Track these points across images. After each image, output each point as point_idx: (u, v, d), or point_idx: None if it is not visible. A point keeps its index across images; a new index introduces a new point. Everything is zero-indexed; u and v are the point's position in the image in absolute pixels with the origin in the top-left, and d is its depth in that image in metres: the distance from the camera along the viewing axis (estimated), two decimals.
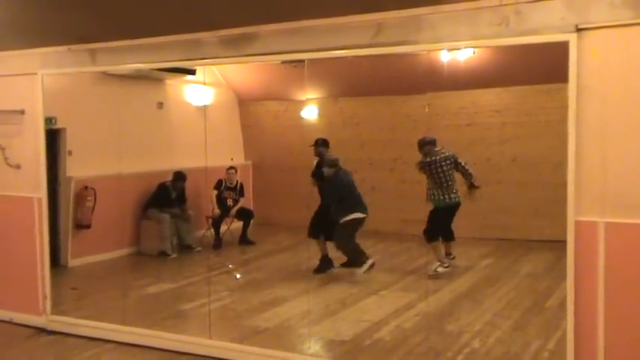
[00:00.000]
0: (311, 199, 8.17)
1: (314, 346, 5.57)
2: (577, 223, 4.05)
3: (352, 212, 7.64)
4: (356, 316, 6.43)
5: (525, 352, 5.35)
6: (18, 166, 6.29)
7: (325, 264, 7.97)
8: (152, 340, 5.67)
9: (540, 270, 8.12)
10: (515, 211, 9.32)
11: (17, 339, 6.02)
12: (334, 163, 7.82)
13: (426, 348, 5.46)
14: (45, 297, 6.22)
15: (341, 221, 7.60)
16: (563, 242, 4.10)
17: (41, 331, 6.17)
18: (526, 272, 8.13)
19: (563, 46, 3.98)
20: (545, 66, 5.81)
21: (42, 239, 6.22)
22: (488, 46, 6.42)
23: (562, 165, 4.11)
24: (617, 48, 3.91)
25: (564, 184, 4.07)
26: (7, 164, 6.32)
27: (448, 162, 7.67)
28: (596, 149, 3.97)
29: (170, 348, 5.54)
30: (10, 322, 6.39)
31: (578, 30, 3.94)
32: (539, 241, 8.82)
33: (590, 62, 3.95)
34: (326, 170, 7.81)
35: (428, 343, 5.58)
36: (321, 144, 8.24)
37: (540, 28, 4.05)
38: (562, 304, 4.36)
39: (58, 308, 6.29)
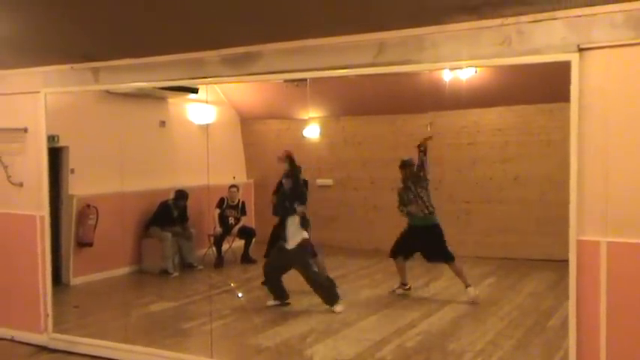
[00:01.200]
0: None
1: None
2: (579, 242, 4.04)
3: None
4: (357, 335, 6.40)
5: None
6: (20, 184, 6.31)
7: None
8: (154, 359, 5.64)
9: (542, 289, 8.09)
10: (518, 229, 9.32)
11: (18, 357, 5.99)
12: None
13: None
14: (47, 315, 6.20)
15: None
16: (566, 261, 4.10)
17: (42, 349, 6.14)
18: (528, 291, 8.10)
19: (565, 66, 4.00)
20: (547, 85, 5.85)
21: (44, 257, 6.21)
22: (490, 66, 6.45)
23: (564, 184, 4.11)
24: (618, 68, 3.92)
25: (566, 203, 4.06)
26: (10, 182, 6.33)
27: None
28: (598, 168, 3.98)
29: None
30: (11, 340, 6.36)
31: (580, 50, 3.96)
32: (542, 260, 8.80)
33: (592, 82, 3.97)
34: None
35: None
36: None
37: (542, 48, 4.07)
38: (564, 324, 4.34)
39: (59, 326, 6.26)
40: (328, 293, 7.20)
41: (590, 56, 3.97)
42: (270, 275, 7.48)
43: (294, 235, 7.21)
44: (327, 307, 7.14)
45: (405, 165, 7.75)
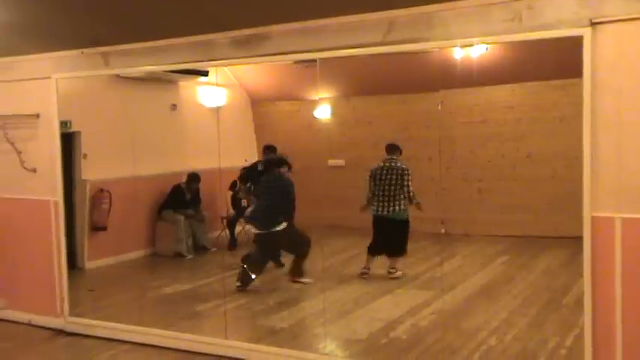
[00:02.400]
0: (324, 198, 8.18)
1: (330, 346, 5.57)
2: (593, 219, 4.02)
3: None
4: (371, 315, 6.42)
5: (542, 350, 5.31)
6: (34, 170, 6.35)
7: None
8: (169, 341, 5.70)
9: (556, 267, 8.07)
10: (531, 207, 9.27)
11: (36, 341, 6.07)
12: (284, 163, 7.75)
13: (442, 346, 5.44)
14: (62, 299, 6.28)
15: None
16: (579, 238, 4.08)
17: (59, 332, 6.22)
18: (542, 269, 8.08)
19: (577, 41, 3.95)
20: (559, 61, 5.78)
21: (59, 242, 6.27)
22: (500, 42, 6.38)
23: (577, 160, 4.08)
24: (632, 42, 3.87)
25: (580, 180, 4.04)
26: (24, 168, 6.38)
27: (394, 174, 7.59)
28: (611, 144, 3.94)
29: (186, 348, 5.56)
30: (28, 324, 6.45)
31: (593, 24, 3.91)
32: (555, 237, 8.76)
33: (604, 57, 3.92)
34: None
35: (444, 342, 5.56)
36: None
37: (553, 23, 4.02)
38: (579, 301, 4.33)
39: (75, 310, 6.33)
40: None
41: (602, 30, 3.92)
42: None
43: None
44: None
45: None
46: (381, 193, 7.55)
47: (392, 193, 7.50)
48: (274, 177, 7.64)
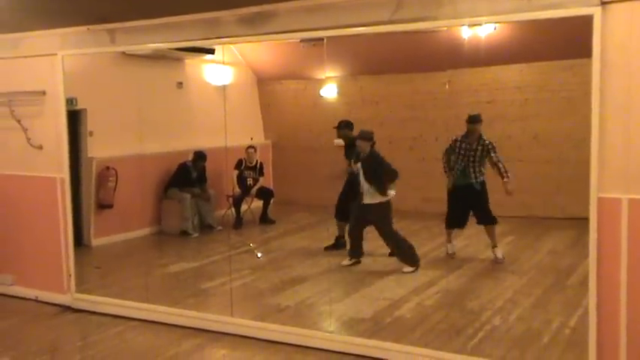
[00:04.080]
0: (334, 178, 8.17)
1: (334, 324, 5.60)
2: (600, 199, 4.01)
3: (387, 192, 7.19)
4: (376, 294, 6.45)
5: (546, 330, 5.33)
6: (40, 147, 6.36)
7: (338, 245, 8.02)
8: (175, 318, 5.74)
9: (562, 247, 8.07)
10: (537, 188, 9.24)
11: (43, 317, 6.13)
12: (371, 136, 7.20)
13: (447, 325, 5.47)
14: (69, 276, 6.32)
15: (377, 202, 7.12)
16: (585, 219, 4.07)
17: (66, 309, 6.27)
18: (547, 250, 8.09)
19: (586, 20, 3.91)
20: (567, 41, 5.72)
21: (65, 219, 6.30)
22: (509, 21, 6.33)
23: (585, 142, 4.06)
24: None
25: (587, 161, 4.02)
26: (30, 145, 6.39)
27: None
28: (619, 125, 3.92)
29: (192, 325, 5.61)
30: (35, 300, 6.50)
31: (603, 3, 3.87)
32: (561, 218, 8.76)
33: (614, 36, 3.88)
34: (362, 144, 7.14)
35: (449, 321, 5.59)
36: (345, 126, 8.08)
37: (563, 2, 3.98)
38: (584, 282, 4.34)
39: (82, 287, 6.38)
40: (406, 253, 7.19)
41: (612, 10, 3.88)
42: (353, 232, 7.44)
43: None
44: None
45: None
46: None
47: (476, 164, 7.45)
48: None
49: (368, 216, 7.22)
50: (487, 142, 7.45)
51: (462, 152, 7.43)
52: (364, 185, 7.13)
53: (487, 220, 7.51)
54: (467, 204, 7.49)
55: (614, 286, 4.01)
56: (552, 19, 4.12)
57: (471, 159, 7.42)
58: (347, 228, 7.76)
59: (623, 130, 3.91)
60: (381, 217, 7.17)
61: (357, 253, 7.45)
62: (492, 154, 7.39)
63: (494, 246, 7.48)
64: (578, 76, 8.03)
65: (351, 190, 7.63)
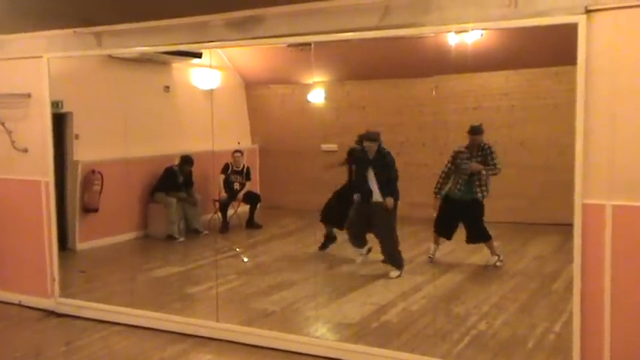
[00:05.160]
0: (321, 183, 8.17)
1: (321, 329, 5.59)
2: (584, 206, 4.04)
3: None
4: (363, 299, 6.45)
5: (531, 335, 5.36)
6: (25, 150, 6.31)
7: (330, 240, 8.09)
8: (160, 323, 5.71)
9: (547, 253, 8.12)
10: (523, 194, 9.30)
11: (26, 321, 6.07)
12: (377, 137, 7.27)
13: (433, 330, 5.48)
14: (53, 280, 6.26)
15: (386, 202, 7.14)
16: (570, 225, 4.10)
17: (50, 313, 6.22)
18: (533, 255, 8.13)
19: (572, 28, 3.94)
20: (554, 48, 5.77)
21: (50, 222, 6.25)
22: (496, 28, 6.37)
23: (570, 148, 4.09)
24: (626, 30, 3.87)
25: (572, 168, 4.05)
26: (14, 148, 6.33)
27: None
28: (604, 132, 3.95)
29: (178, 330, 5.58)
30: (19, 305, 6.44)
31: (588, 11, 3.91)
32: (547, 224, 8.80)
33: (599, 44, 3.92)
34: (372, 145, 7.18)
35: (435, 326, 5.60)
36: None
37: (549, 10, 4.02)
38: (568, 287, 4.36)
39: (66, 291, 6.33)
40: (396, 257, 7.25)
41: (597, 18, 3.92)
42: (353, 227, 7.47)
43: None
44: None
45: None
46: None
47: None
48: None
49: (374, 215, 7.23)
50: (486, 147, 7.46)
51: (465, 164, 7.42)
52: (374, 185, 7.17)
53: (482, 237, 7.53)
54: (458, 217, 7.51)
55: (598, 291, 4.03)
56: (538, 27, 4.16)
57: (482, 172, 7.41)
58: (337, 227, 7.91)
59: (607, 136, 3.94)
60: (386, 217, 7.20)
61: (362, 242, 7.47)
62: (492, 162, 7.42)
63: (493, 254, 7.52)
64: (564, 83, 8.10)
65: (339, 199, 7.78)
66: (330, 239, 8.19)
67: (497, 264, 7.46)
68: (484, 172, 7.37)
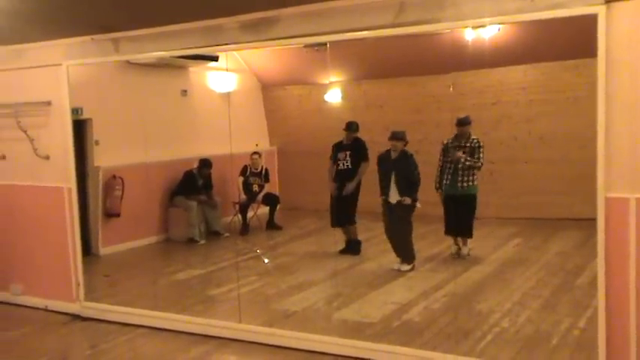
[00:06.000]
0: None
1: (342, 328, 5.59)
2: (607, 199, 3.99)
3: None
4: (384, 298, 6.43)
5: (556, 331, 5.31)
6: (47, 157, 6.38)
7: (354, 245, 8.05)
8: (183, 325, 5.74)
9: (570, 248, 8.04)
10: (544, 189, 9.22)
11: (53, 325, 6.14)
12: (403, 136, 7.33)
13: (455, 328, 5.45)
14: (78, 284, 6.33)
15: (406, 202, 7.23)
16: (593, 220, 4.05)
17: (75, 317, 6.28)
18: (555, 251, 8.06)
19: (591, 20, 3.90)
20: (572, 41, 5.71)
21: (73, 228, 6.31)
22: (513, 22, 6.32)
23: (591, 142, 4.04)
24: None
25: (593, 161, 4.01)
26: (37, 155, 6.41)
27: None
28: (625, 124, 3.90)
29: (201, 332, 5.61)
30: (45, 310, 6.52)
31: (607, 2, 3.86)
32: (568, 219, 8.72)
33: (619, 35, 3.87)
34: (397, 144, 7.24)
35: (457, 324, 5.57)
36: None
37: (567, 2, 3.97)
38: (592, 282, 4.32)
39: (91, 295, 6.39)
40: (409, 250, 7.34)
41: (617, 8, 3.87)
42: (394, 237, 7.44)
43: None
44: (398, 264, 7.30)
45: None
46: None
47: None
48: None
49: (393, 213, 7.29)
50: (475, 140, 7.51)
51: (452, 153, 7.49)
52: (393, 185, 7.25)
53: (464, 233, 7.62)
54: (457, 211, 7.54)
55: (623, 286, 3.99)
56: (556, 19, 4.11)
57: (460, 161, 7.43)
58: (352, 230, 7.98)
59: (629, 129, 3.89)
60: (403, 215, 7.26)
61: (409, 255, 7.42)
62: (476, 155, 7.45)
63: (464, 244, 7.63)
64: (583, 76, 8.00)
65: (337, 201, 7.95)
66: (353, 247, 8.12)
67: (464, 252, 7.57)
68: (463, 162, 7.41)
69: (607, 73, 3.91)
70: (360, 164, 8.02)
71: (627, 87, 3.88)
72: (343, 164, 8.08)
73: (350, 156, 8.07)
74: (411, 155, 7.35)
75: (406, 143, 7.33)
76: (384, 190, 7.36)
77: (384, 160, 7.43)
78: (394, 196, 7.25)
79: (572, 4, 3.96)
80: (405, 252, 7.34)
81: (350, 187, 7.97)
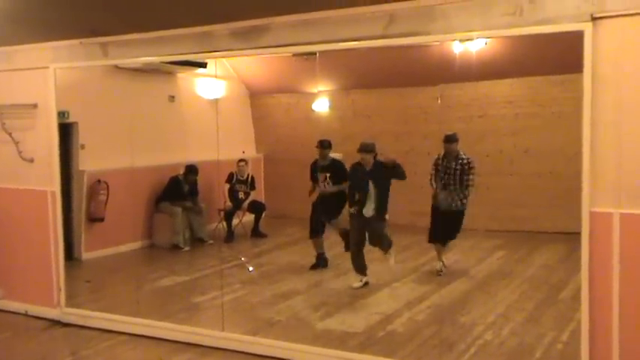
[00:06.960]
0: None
1: (326, 338, 5.57)
2: (592, 214, 4.02)
3: None
4: (368, 308, 6.43)
5: (539, 344, 5.33)
6: (31, 160, 6.33)
7: (321, 262, 7.98)
8: (166, 332, 5.70)
9: (554, 262, 8.08)
10: (528, 202, 9.28)
11: (32, 331, 6.07)
12: (373, 148, 7.03)
13: (439, 340, 5.45)
14: (59, 289, 6.27)
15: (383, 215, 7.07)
16: (577, 234, 4.08)
17: (56, 323, 6.22)
18: (539, 264, 8.10)
19: (577, 36, 3.94)
20: (559, 56, 5.77)
21: (56, 232, 6.26)
22: (501, 36, 6.38)
23: (576, 156, 4.08)
24: (633, 37, 3.86)
25: (578, 176, 4.04)
26: (21, 158, 6.36)
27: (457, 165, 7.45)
28: (611, 139, 3.94)
29: (183, 340, 5.56)
30: (25, 315, 6.44)
31: (594, 19, 3.90)
32: (553, 232, 8.78)
33: (605, 52, 3.91)
34: (366, 156, 6.97)
35: (441, 335, 5.57)
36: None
37: (555, 18, 4.01)
38: (576, 296, 4.34)
39: (72, 301, 6.33)
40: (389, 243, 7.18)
41: (603, 26, 3.91)
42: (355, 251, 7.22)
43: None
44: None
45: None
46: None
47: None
48: None
49: (366, 226, 7.08)
50: (465, 160, 7.42)
51: (443, 171, 7.45)
52: (370, 198, 6.96)
53: (452, 236, 7.58)
54: (445, 221, 7.50)
55: (607, 300, 4.01)
56: (543, 35, 4.15)
57: (451, 179, 7.41)
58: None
59: (614, 144, 3.93)
60: (377, 224, 7.09)
61: (363, 269, 7.22)
62: (467, 177, 7.37)
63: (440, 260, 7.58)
64: (569, 91, 8.09)
65: (322, 210, 7.78)
66: (321, 261, 8.00)
67: (442, 270, 7.51)
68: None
69: (593, 88, 3.94)
70: (341, 184, 7.77)
71: (612, 103, 3.91)
72: (324, 186, 7.88)
73: (330, 178, 7.86)
74: (382, 162, 7.01)
75: (376, 155, 7.04)
76: (357, 203, 7.04)
77: (356, 171, 7.17)
78: (369, 210, 6.99)
79: (559, 21, 4.00)
80: (382, 240, 7.11)
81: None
